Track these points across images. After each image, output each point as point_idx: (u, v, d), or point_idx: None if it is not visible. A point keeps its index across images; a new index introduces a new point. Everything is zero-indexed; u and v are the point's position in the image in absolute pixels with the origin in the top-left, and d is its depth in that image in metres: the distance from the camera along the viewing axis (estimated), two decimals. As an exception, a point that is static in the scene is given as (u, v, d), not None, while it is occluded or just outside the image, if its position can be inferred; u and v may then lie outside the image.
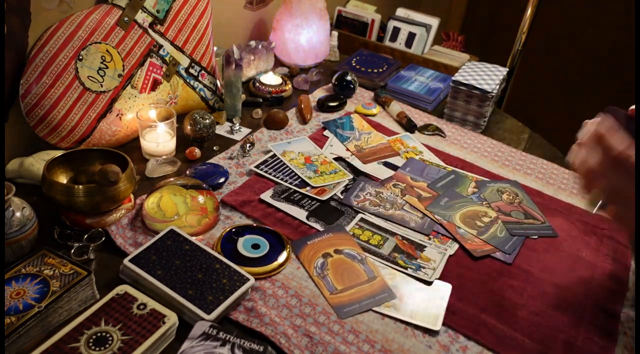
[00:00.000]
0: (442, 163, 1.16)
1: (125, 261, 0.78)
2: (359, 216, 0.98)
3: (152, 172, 1.02)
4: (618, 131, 0.66)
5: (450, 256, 0.91)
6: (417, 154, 1.18)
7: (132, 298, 0.72)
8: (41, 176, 0.85)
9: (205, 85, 1.21)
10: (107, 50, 1.02)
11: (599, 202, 0.72)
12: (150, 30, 1.08)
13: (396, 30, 1.68)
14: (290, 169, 1.07)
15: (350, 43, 1.72)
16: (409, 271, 0.87)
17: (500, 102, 1.62)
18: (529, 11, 1.56)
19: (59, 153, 0.91)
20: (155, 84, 1.11)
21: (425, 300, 0.82)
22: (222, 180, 1.01)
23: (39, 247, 0.78)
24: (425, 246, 0.93)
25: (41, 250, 0.78)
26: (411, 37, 1.66)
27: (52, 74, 0.95)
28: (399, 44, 1.68)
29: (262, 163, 1.08)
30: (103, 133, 1.04)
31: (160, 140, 1.06)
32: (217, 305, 0.74)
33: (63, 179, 0.91)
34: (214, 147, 1.13)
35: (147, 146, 1.06)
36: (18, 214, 0.78)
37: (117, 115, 1.06)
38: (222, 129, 1.20)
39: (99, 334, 0.67)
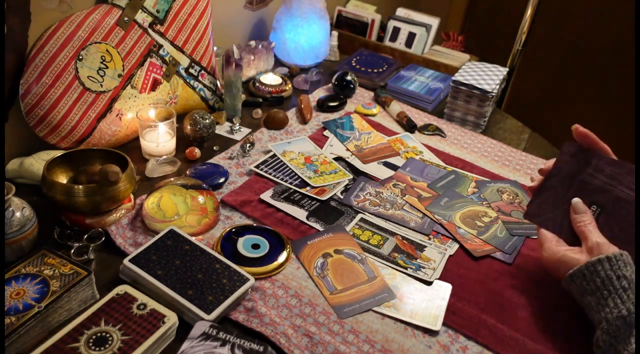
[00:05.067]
0: (442, 163, 1.16)
1: (125, 261, 0.78)
2: (359, 216, 0.98)
3: (152, 172, 1.02)
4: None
5: (450, 256, 0.91)
6: (417, 154, 1.18)
7: (132, 298, 0.72)
8: (41, 176, 0.85)
9: (205, 86, 1.21)
10: (107, 50, 1.02)
11: None
12: (150, 30, 1.08)
13: (396, 30, 1.68)
14: (290, 169, 1.07)
15: (350, 43, 1.72)
16: (409, 271, 0.87)
17: (500, 102, 1.62)
18: (529, 11, 1.56)
19: (59, 153, 0.91)
20: (155, 84, 1.11)
21: (425, 300, 0.82)
22: (222, 180, 1.01)
23: (39, 247, 0.78)
24: (425, 246, 0.93)
25: (41, 250, 0.78)
26: (411, 37, 1.66)
27: (52, 74, 0.95)
28: (399, 44, 1.68)
29: (262, 163, 1.08)
30: (103, 133, 1.04)
31: (160, 140, 1.06)
32: (217, 305, 0.74)
33: (63, 179, 0.90)
34: (214, 147, 1.13)
35: (147, 146, 1.06)
36: (18, 214, 0.78)
37: (117, 115, 1.06)
38: (222, 129, 1.20)
39: (99, 334, 0.67)
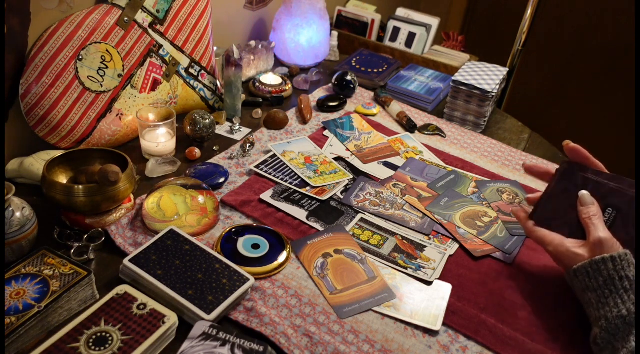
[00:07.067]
0: (442, 163, 1.16)
1: (125, 261, 0.78)
2: (359, 216, 0.98)
3: (152, 172, 1.02)
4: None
5: (450, 256, 0.91)
6: (417, 154, 1.18)
7: (132, 298, 0.72)
8: (41, 176, 0.85)
9: (205, 86, 1.21)
10: (107, 50, 1.02)
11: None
12: (150, 30, 1.08)
13: (396, 30, 1.68)
14: (290, 169, 1.07)
15: (350, 43, 1.72)
16: (409, 271, 0.87)
17: (500, 102, 1.62)
18: (529, 11, 1.56)
19: (59, 153, 0.91)
20: (155, 84, 1.11)
21: (425, 300, 0.82)
22: (222, 180, 1.01)
23: (39, 247, 0.78)
24: (425, 246, 0.93)
25: (41, 250, 0.78)
26: (411, 37, 1.66)
27: (52, 74, 0.95)
28: (399, 44, 1.68)
29: (262, 163, 1.08)
30: (103, 133, 1.04)
31: (160, 140, 1.06)
32: (217, 305, 0.74)
33: (63, 179, 0.91)
34: (214, 147, 1.13)
35: (147, 146, 1.06)
36: (18, 214, 0.78)
37: (117, 115, 1.06)
38: (222, 129, 1.20)
39: (99, 334, 0.67)
